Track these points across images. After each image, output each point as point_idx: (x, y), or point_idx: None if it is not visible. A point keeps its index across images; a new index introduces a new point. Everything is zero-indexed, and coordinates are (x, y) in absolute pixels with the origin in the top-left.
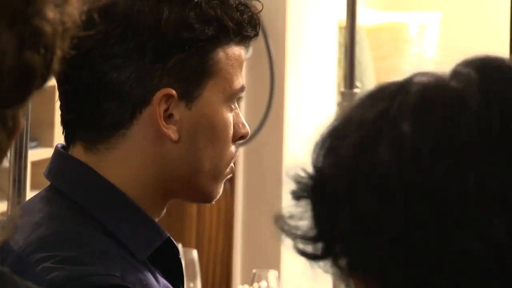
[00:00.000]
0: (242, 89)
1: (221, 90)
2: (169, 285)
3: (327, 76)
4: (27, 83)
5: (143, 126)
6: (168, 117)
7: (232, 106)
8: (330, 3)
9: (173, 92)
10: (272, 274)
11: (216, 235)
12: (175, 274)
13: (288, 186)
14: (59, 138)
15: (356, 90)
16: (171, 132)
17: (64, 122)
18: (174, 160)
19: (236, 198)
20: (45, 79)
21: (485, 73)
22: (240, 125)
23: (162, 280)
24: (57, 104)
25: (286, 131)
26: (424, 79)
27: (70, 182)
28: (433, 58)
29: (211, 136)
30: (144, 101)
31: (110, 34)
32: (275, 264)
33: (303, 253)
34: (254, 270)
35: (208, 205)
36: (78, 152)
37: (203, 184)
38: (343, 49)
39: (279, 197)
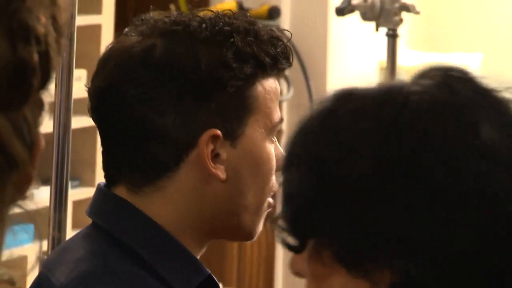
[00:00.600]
0: (281, 121)
1: (262, 125)
2: None
3: None
4: (25, 80)
5: (190, 168)
6: (214, 157)
7: (273, 139)
8: (371, 43)
9: (218, 132)
10: None
11: (257, 272)
12: None
13: None
14: (100, 177)
15: None
16: (220, 172)
17: (106, 167)
18: (219, 199)
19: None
20: (45, 78)
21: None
22: (280, 156)
23: None
24: (99, 143)
25: None
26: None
27: (112, 219)
28: None
29: (256, 172)
30: (191, 144)
31: (151, 81)
32: None
33: (289, 247)
34: None
35: (249, 242)
36: (121, 192)
37: (246, 221)
38: None
39: None
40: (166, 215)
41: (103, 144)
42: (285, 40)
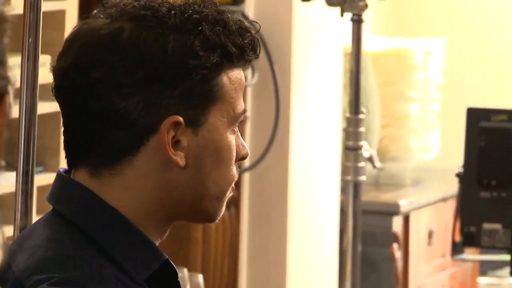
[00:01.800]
0: (243, 112)
1: (225, 114)
2: None
3: (332, 102)
4: None
5: (150, 153)
6: (175, 143)
7: (234, 129)
8: (335, 29)
9: (181, 119)
10: None
11: (221, 259)
12: None
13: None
14: (64, 163)
15: (361, 116)
16: (179, 158)
17: (67, 147)
18: (179, 186)
19: (242, 223)
20: None
21: None
22: (241, 147)
23: None
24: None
25: (291, 157)
26: None
27: (71, 206)
28: (438, 83)
29: (216, 160)
30: (152, 129)
31: (118, 65)
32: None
33: None
34: None
35: (212, 224)
36: (81, 176)
37: (207, 206)
38: (348, 75)
39: (283, 223)
40: (125, 201)
41: (64, 125)
42: (253, 32)
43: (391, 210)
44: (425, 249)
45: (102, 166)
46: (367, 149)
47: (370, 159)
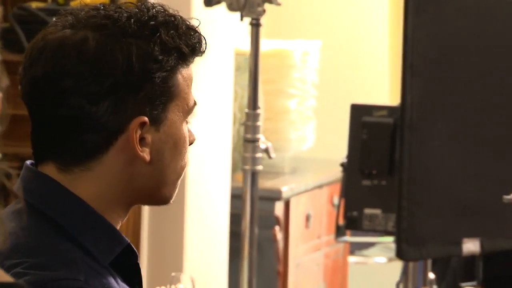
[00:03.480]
0: (195, 104)
1: (181, 109)
2: None
3: (224, 99)
4: None
5: (118, 150)
6: (140, 140)
7: (187, 120)
8: (227, 34)
9: (146, 119)
10: (187, 276)
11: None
12: (134, 277)
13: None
14: None
15: (258, 111)
16: (145, 154)
17: (35, 145)
18: (142, 177)
19: (142, 210)
20: None
21: None
22: (191, 135)
23: (122, 284)
24: None
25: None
26: None
27: (41, 197)
28: (314, 81)
29: (174, 151)
30: (121, 130)
31: (87, 74)
32: (178, 268)
33: None
34: (173, 273)
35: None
36: (49, 170)
37: (165, 191)
38: (237, 74)
39: (181, 208)
40: (92, 192)
41: (33, 127)
42: (198, 30)
43: (274, 196)
44: (303, 231)
45: (71, 163)
46: (263, 141)
47: (266, 150)
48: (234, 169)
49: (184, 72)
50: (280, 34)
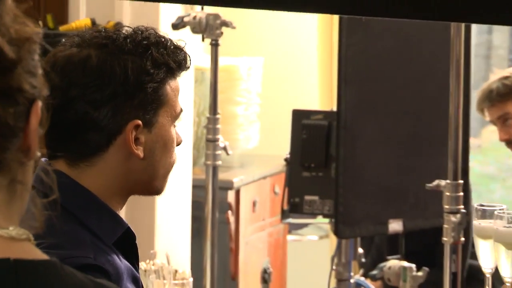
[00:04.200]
0: (181, 111)
1: (169, 115)
2: (128, 264)
3: (186, 106)
4: None
5: (116, 149)
6: (135, 140)
7: (175, 124)
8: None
9: (140, 122)
10: (163, 253)
11: None
12: (132, 255)
13: None
14: None
15: (218, 116)
16: (139, 152)
17: (48, 144)
18: (137, 171)
19: None
20: None
21: None
22: (177, 136)
23: (123, 260)
24: None
25: None
26: None
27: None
28: (257, 91)
29: (164, 150)
30: (118, 131)
31: (90, 85)
32: (151, 246)
33: None
34: (151, 251)
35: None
36: (60, 165)
37: (156, 184)
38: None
39: (152, 198)
40: (97, 184)
41: (46, 130)
42: (184, 49)
43: (227, 186)
44: (250, 215)
45: (79, 159)
46: (222, 141)
47: (224, 148)
48: (194, 164)
49: (172, 83)
50: (229, 52)
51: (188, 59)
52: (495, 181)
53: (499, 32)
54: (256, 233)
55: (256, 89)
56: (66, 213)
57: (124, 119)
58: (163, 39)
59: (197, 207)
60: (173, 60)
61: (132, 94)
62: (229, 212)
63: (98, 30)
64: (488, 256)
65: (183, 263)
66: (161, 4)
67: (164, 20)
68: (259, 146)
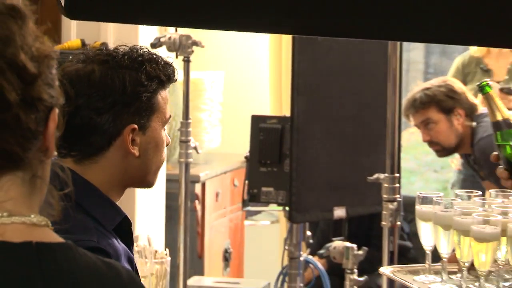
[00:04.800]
0: (170, 117)
1: (160, 120)
2: (125, 246)
3: None
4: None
5: (116, 149)
6: (132, 141)
7: (164, 127)
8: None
9: (136, 126)
10: (145, 236)
11: None
12: (128, 239)
13: None
14: None
15: (189, 121)
16: (135, 151)
17: (57, 145)
18: (133, 168)
19: None
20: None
21: None
22: (166, 138)
23: (121, 243)
24: None
25: None
26: None
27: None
28: (219, 100)
29: (155, 150)
30: (118, 134)
31: (94, 94)
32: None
33: None
34: (136, 234)
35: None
36: (68, 163)
37: (149, 179)
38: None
39: (133, 189)
40: (99, 179)
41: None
42: (172, 64)
43: (194, 180)
44: (214, 204)
45: (84, 158)
46: (193, 142)
47: (195, 148)
48: (167, 161)
49: (162, 93)
50: (196, 67)
51: (176, 73)
52: (415, 175)
53: (417, 49)
54: (218, 219)
55: (218, 98)
56: (73, 203)
57: (122, 123)
58: (155, 56)
59: (170, 197)
60: (163, 74)
61: (129, 102)
62: (196, 201)
63: (99, 48)
64: (429, 235)
65: (159, 244)
66: (140, 26)
67: (142, 40)
68: (220, 146)
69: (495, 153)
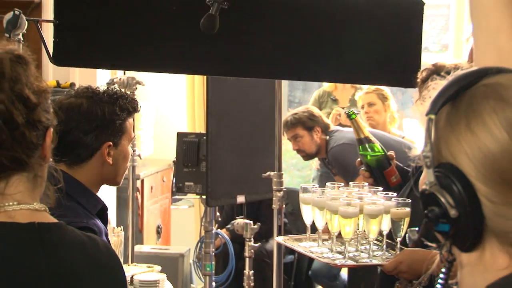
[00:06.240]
0: (134, 136)
1: (127, 138)
2: (104, 226)
3: None
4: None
5: (96, 158)
6: (108, 154)
7: (130, 145)
8: None
9: (111, 143)
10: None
11: None
12: (105, 222)
13: None
14: None
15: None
16: (110, 161)
17: (54, 155)
18: (108, 172)
19: None
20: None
21: None
22: (130, 151)
23: (101, 224)
24: None
25: None
26: None
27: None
28: (152, 121)
29: (123, 159)
30: (98, 148)
31: (82, 121)
32: None
33: None
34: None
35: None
36: (62, 167)
37: (118, 179)
38: None
39: None
40: (84, 178)
41: (55, 146)
42: (137, 100)
43: (136, 177)
44: (150, 194)
45: (74, 164)
46: (137, 151)
47: (138, 155)
48: None
49: (130, 120)
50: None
51: (139, 105)
52: (285, 172)
53: (285, 86)
54: (153, 205)
55: (152, 120)
56: (67, 195)
57: (101, 141)
58: (125, 94)
59: (119, 190)
60: (131, 106)
61: (107, 126)
62: (138, 193)
63: (86, 87)
64: (309, 214)
65: (112, 224)
66: (98, 70)
67: (99, 81)
68: (154, 154)
69: (358, 159)
